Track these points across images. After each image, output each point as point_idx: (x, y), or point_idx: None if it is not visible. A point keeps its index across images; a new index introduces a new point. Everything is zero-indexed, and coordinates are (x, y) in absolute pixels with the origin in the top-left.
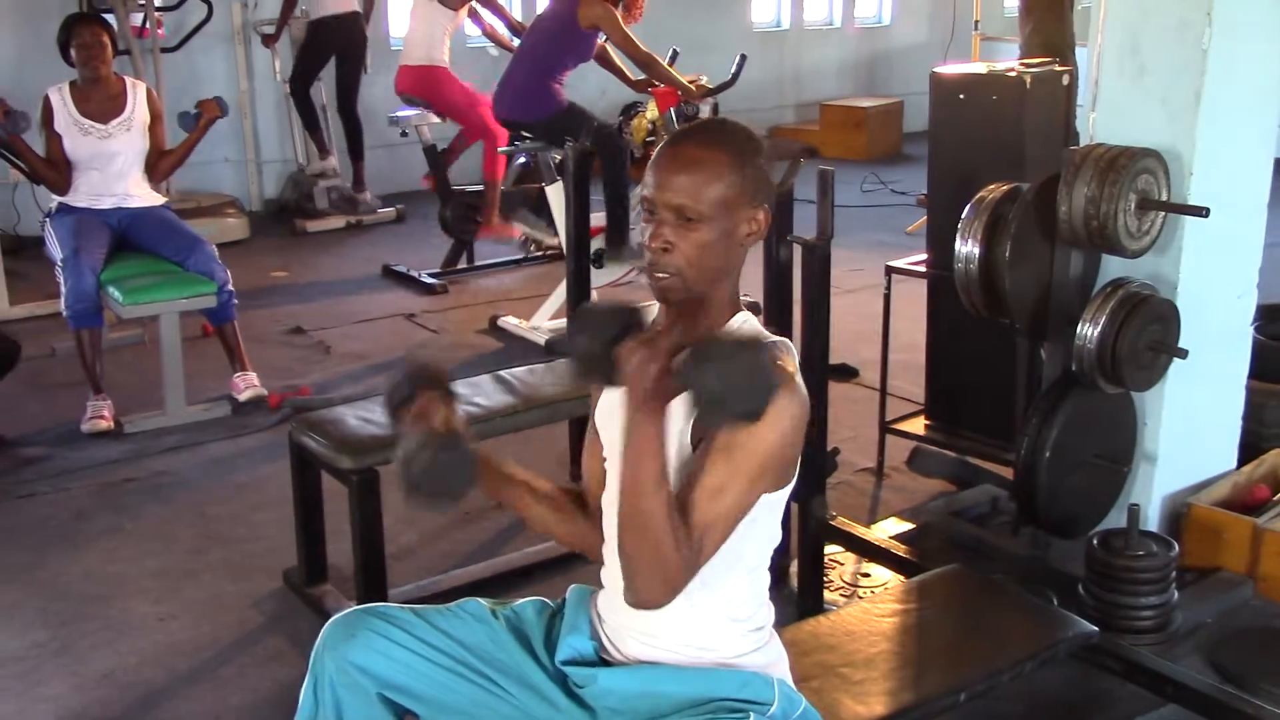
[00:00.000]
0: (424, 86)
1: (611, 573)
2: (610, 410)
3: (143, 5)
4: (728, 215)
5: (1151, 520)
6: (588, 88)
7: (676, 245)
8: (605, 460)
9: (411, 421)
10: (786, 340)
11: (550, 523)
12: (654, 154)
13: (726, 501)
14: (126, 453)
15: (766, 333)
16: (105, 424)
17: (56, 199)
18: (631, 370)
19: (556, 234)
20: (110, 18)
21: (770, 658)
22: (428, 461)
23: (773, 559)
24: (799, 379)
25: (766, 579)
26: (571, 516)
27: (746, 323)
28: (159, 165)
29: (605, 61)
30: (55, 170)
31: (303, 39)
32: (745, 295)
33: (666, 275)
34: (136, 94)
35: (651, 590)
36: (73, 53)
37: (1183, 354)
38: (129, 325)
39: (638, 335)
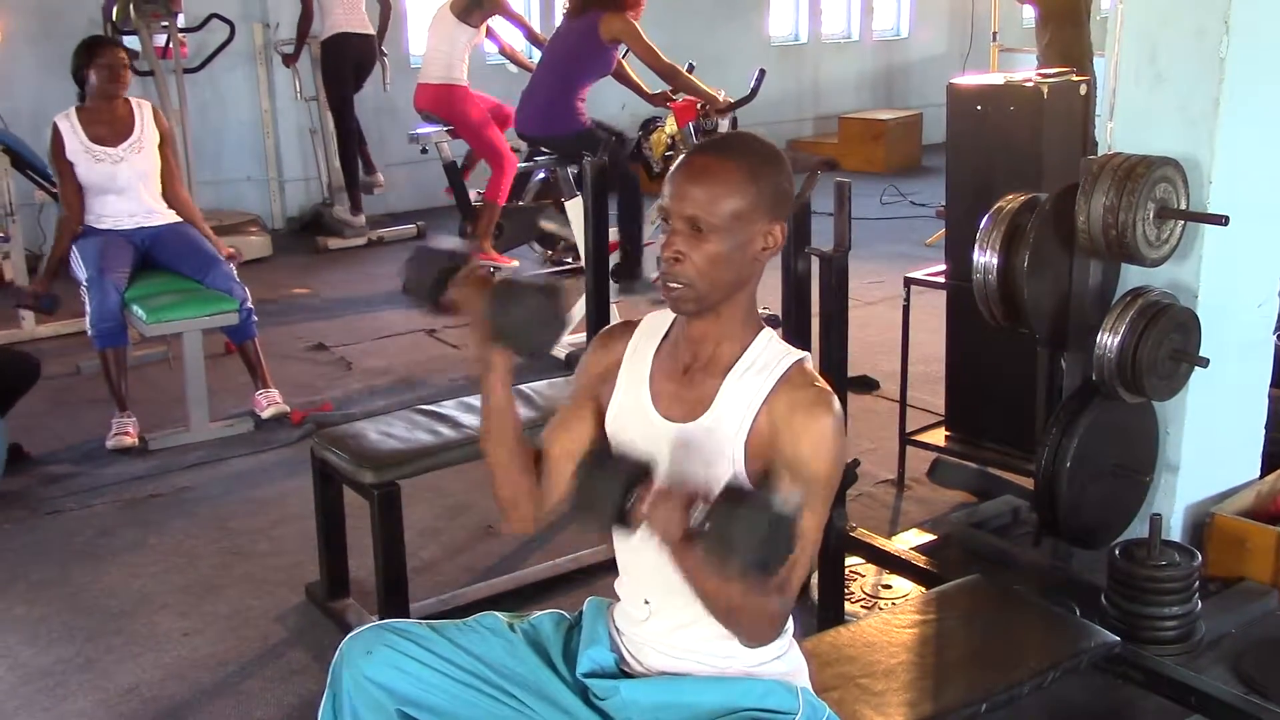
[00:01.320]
0: (442, 104)
1: (630, 584)
2: (631, 423)
3: (165, 26)
4: (741, 228)
5: (1174, 530)
6: (608, 102)
7: (688, 256)
8: None
9: (463, 303)
10: (806, 354)
11: (507, 460)
12: (673, 165)
13: (811, 522)
14: (151, 469)
15: (793, 350)
16: (130, 441)
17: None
18: (656, 524)
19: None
20: (133, 39)
21: (792, 666)
22: (511, 314)
23: None
24: (834, 395)
25: None
26: (523, 472)
27: (771, 342)
28: (175, 198)
29: (622, 77)
30: (73, 215)
31: (320, 59)
32: (765, 308)
33: (678, 286)
34: (143, 114)
35: (761, 635)
36: (92, 74)
37: (1204, 363)
38: (153, 343)
39: (652, 486)
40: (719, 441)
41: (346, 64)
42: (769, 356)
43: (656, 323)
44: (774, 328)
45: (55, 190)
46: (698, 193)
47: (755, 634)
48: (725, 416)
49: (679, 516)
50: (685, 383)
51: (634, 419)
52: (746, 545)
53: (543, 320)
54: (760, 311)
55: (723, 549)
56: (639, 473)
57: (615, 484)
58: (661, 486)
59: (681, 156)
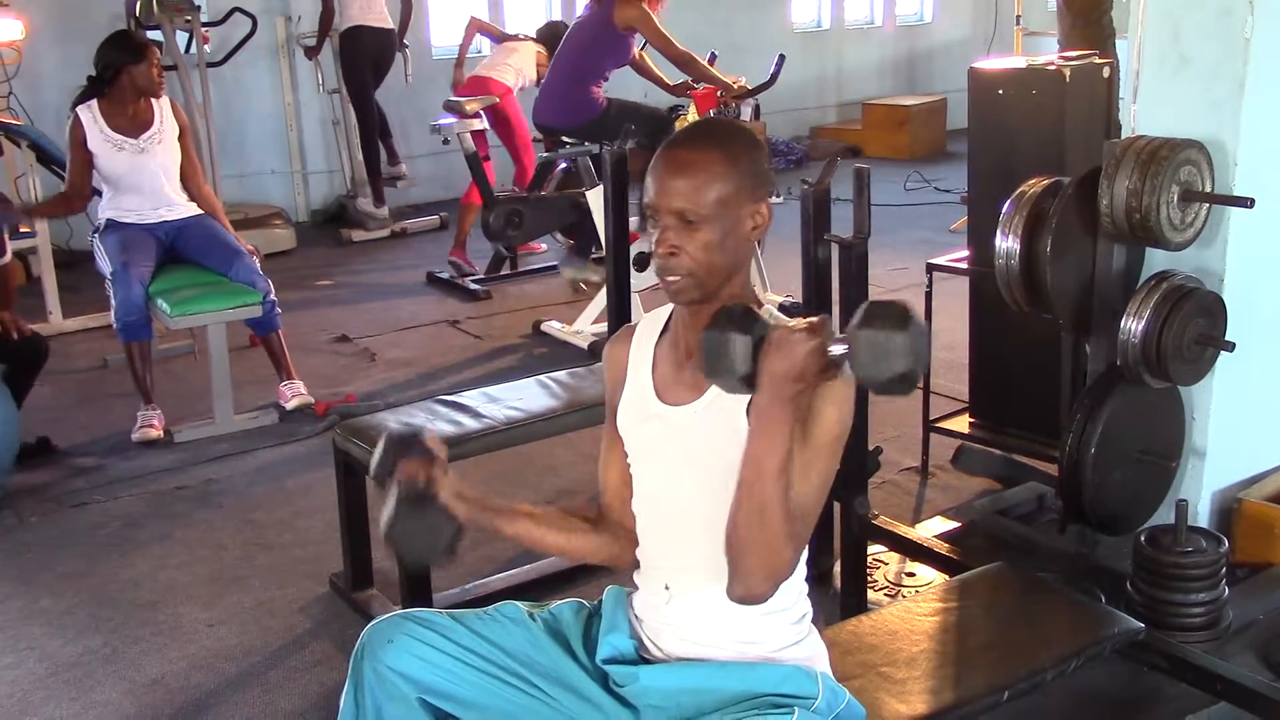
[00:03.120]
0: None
1: (649, 573)
2: (637, 415)
3: (189, 21)
4: (729, 212)
5: (1201, 516)
6: (630, 93)
7: (683, 248)
8: (631, 464)
9: (393, 488)
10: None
11: (568, 548)
12: (651, 160)
13: (815, 483)
14: (176, 461)
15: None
16: (155, 433)
17: (105, 215)
18: (789, 349)
19: (598, 271)
20: (156, 34)
21: (811, 651)
22: (401, 524)
23: (818, 559)
24: None
25: (804, 570)
26: (586, 534)
27: (771, 318)
28: (198, 192)
29: (642, 69)
30: (76, 194)
31: (338, 52)
32: (788, 296)
33: (677, 278)
34: (161, 107)
35: (760, 583)
36: (137, 72)
37: (1230, 347)
38: (178, 336)
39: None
40: (722, 417)
41: (362, 57)
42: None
43: (655, 319)
44: (791, 315)
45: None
46: (681, 185)
47: (756, 578)
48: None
49: (814, 346)
50: (687, 368)
51: (638, 411)
52: (898, 353)
53: (426, 539)
54: (784, 299)
55: (873, 358)
56: (765, 330)
57: (743, 340)
58: (786, 329)
59: (658, 151)
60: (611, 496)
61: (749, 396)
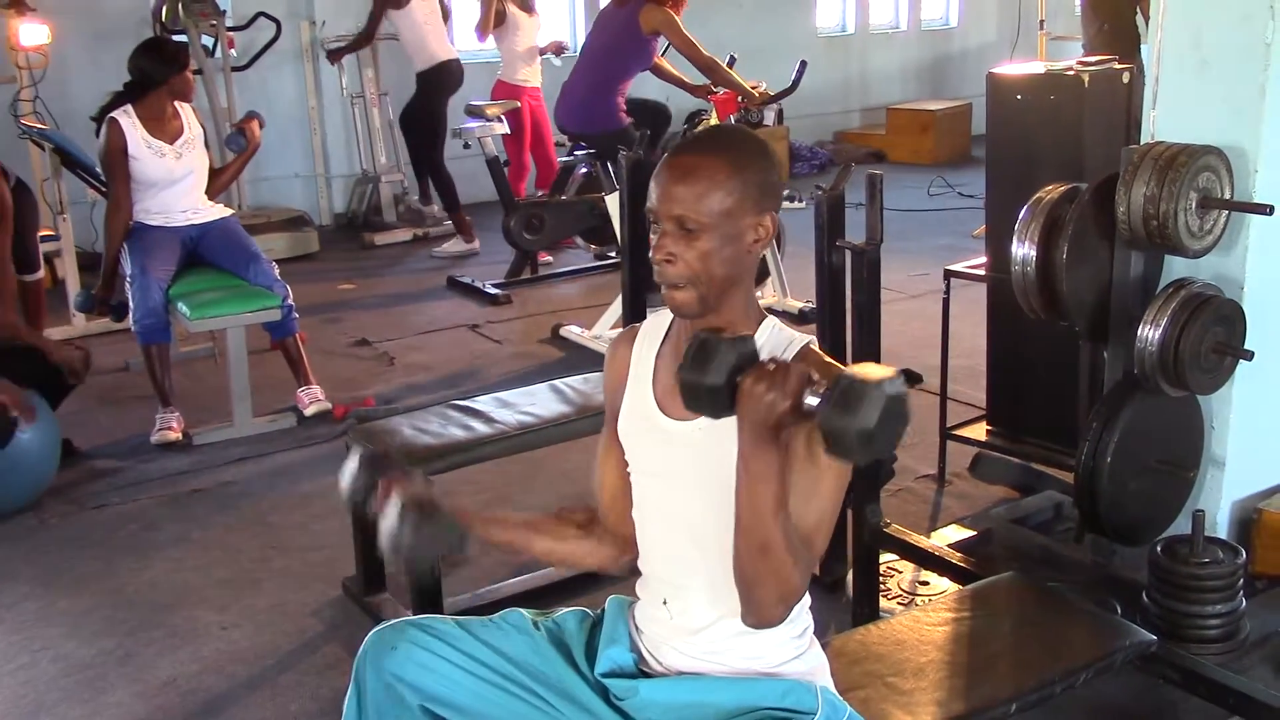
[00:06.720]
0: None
1: (648, 586)
2: (638, 427)
3: (214, 25)
4: (730, 223)
5: (1220, 526)
6: (653, 95)
7: (680, 256)
8: (631, 474)
9: (381, 504)
10: (811, 337)
11: (557, 554)
12: (657, 165)
13: (824, 504)
14: (194, 464)
15: (798, 335)
16: (174, 436)
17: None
18: (759, 403)
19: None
20: (180, 39)
21: (811, 665)
22: (411, 532)
23: (831, 567)
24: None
25: None
26: (577, 540)
27: (775, 331)
28: (213, 184)
29: (662, 74)
30: (125, 214)
31: (417, 92)
32: (808, 301)
33: (675, 288)
34: (187, 113)
35: (772, 610)
36: (177, 78)
37: (1248, 355)
38: (198, 338)
39: (757, 367)
40: (725, 435)
41: (446, 95)
42: (774, 345)
43: (657, 323)
44: (809, 321)
45: (105, 190)
46: (683, 192)
47: (768, 606)
48: None
49: (787, 391)
50: None
51: (640, 422)
52: (867, 417)
53: (438, 544)
54: (804, 305)
55: (843, 421)
56: (749, 354)
57: (724, 363)
58: (769, 365)
59: (664, 156)
60: (607, 501)
61: None
